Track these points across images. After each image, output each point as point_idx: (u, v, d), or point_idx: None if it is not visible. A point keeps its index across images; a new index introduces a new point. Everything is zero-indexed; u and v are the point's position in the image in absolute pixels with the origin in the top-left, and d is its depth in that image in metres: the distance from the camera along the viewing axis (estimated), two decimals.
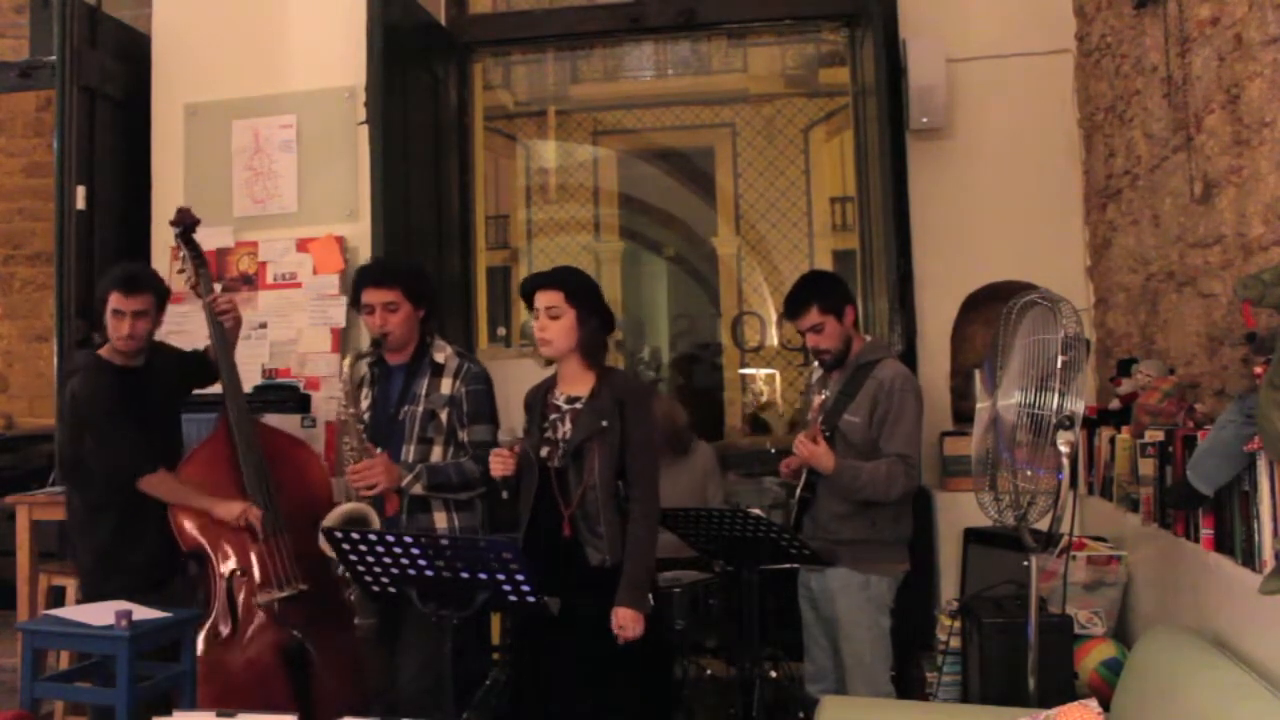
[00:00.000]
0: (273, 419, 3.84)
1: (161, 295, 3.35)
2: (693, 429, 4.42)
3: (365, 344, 3.24)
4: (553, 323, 2.86)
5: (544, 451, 2.90)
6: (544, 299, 2.88)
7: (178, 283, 3.63)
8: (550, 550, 2.82)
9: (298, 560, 3.29)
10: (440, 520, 3.17)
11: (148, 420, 3.31)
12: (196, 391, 3.61)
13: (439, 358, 3.23)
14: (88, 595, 3.31)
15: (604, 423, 2.83)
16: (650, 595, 2.84)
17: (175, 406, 3.53)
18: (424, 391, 3.18)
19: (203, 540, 3.27)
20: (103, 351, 3.34)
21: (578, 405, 2.89)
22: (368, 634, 3.13)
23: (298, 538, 3.30)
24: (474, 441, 3.17)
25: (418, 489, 3.11)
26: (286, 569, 3.28)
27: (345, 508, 3.10)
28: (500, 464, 2.87)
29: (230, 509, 3.24)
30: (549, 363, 2.97)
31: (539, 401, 2.98)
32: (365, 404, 3.23)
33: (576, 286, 2.91)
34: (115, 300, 3.24)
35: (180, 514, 3.27)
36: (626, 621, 2.74)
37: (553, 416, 2.92)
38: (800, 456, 3.17)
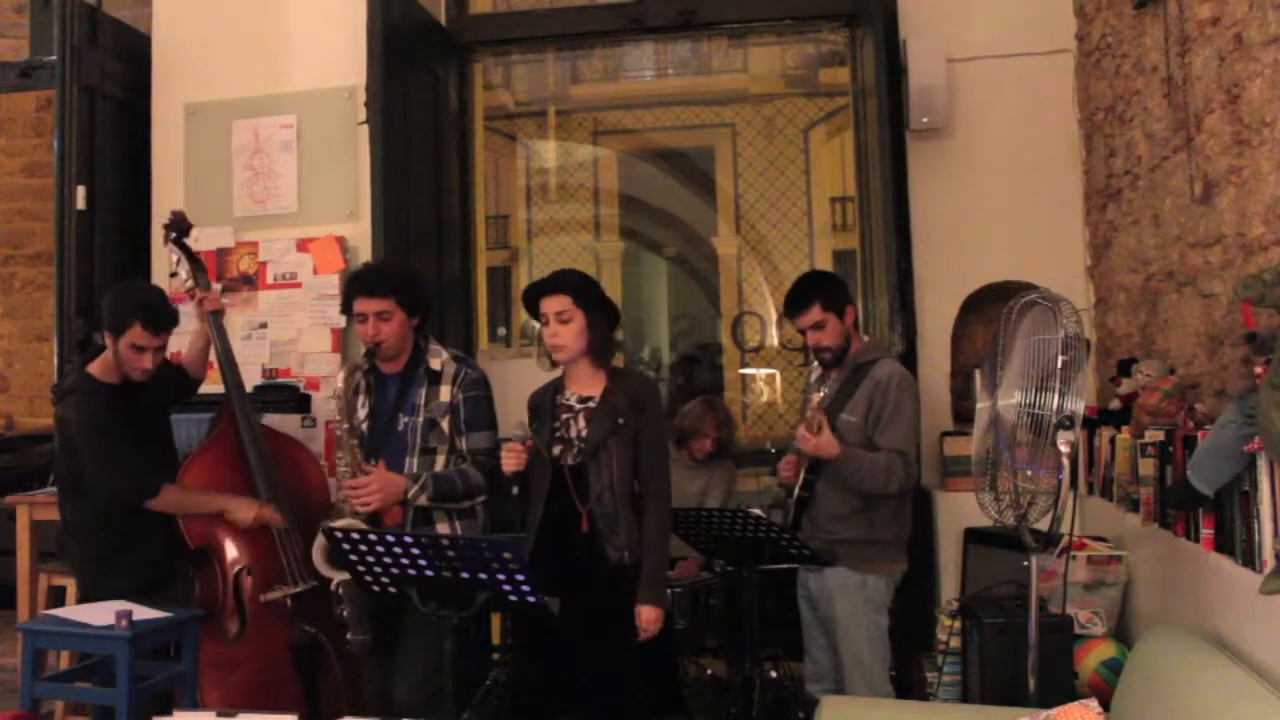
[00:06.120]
0: (273, 419, 3.84)
1: (175, 324, 3.29)
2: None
3: (364, 345, 3.18)
4: (564, 327, 2.86)
5: (556, 450, 2.88)
6: (552, 305, 2.86)
7: (172, 285, 3.59)
8: (565, 547, 2.82)
9: (306, 558, 3.28)
10: (442, 529, 3.09)
11: (142, 435, 3.26)
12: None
13: (435, 364, 3.13)
14: (86, 596, 3.28)
15: (621, 421, 2.83)
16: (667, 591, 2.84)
17: (167, 417, 3.49)
18: (423, 401, 3.09)
19: (211, 537, 3.26)
20: (94, 369, 3.23)
21: (591, 404, 2.89)
22: (360, 650, 3.05)
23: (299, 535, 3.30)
24: (473, 449, 3.08)
25: (423, 500, 3.01)
26: (297, 565, 3.27)
27: (337, 525, 3.01)
28: (513, 458, 2.81)
29: (246, 513, 3.24)
30: (555, 365, 2.95)
31: (548, 402, 2.95)
32: (363, 413, 3.13)
33: (582, 288, 2.90)
34: (140, 336, 3.15)
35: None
36: (650, 618, 2.75)
37: (564, 416, 2.91)
38: (805, 449, 3.12)
